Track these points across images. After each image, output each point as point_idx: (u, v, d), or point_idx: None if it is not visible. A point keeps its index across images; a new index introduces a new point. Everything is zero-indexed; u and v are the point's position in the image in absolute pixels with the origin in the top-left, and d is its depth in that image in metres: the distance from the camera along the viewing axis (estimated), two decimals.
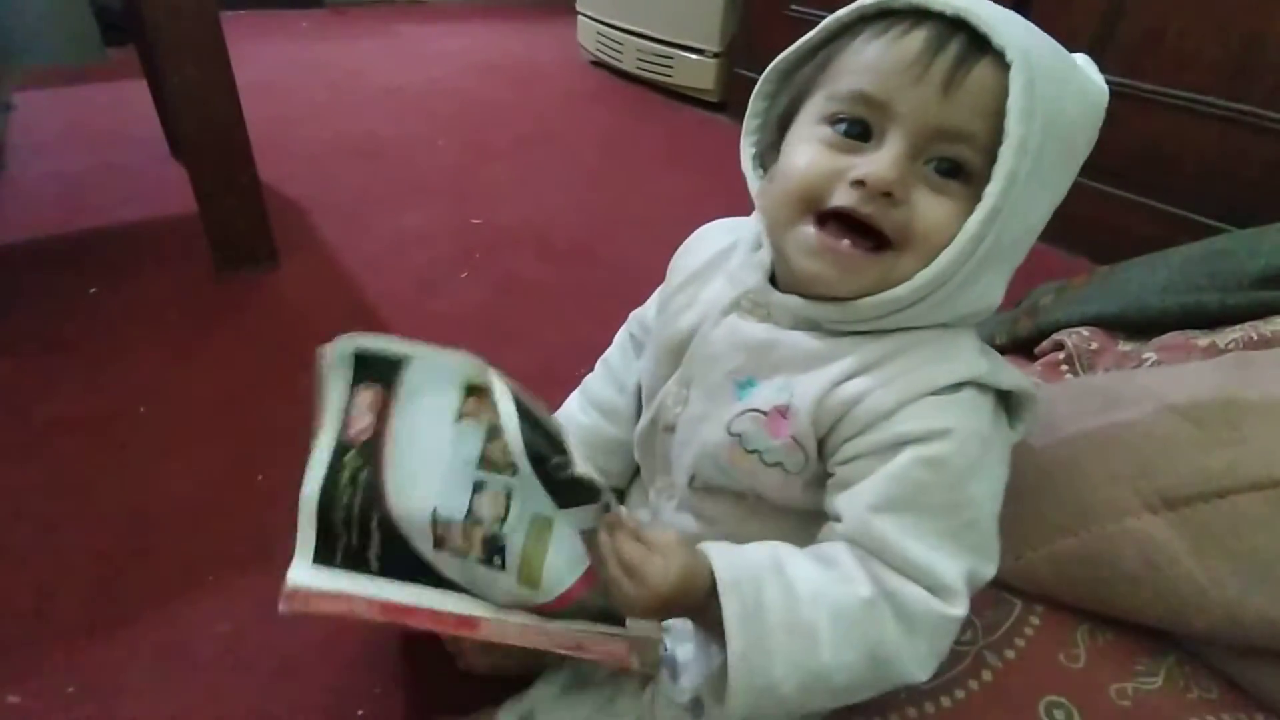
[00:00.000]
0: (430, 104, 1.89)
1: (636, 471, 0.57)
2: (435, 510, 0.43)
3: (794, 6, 1.70)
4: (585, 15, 2.26)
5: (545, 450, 0.41)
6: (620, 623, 0.43)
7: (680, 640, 0.47)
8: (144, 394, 0.86)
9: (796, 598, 0.36)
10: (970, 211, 0.36)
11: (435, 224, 1.30)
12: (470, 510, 0.43)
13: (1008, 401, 0.41)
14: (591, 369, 0.61)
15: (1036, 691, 0.43)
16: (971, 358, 0.39)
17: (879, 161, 0.36)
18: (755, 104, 0.45)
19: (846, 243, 0.37)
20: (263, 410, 0.85)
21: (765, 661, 0.35)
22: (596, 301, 1.11)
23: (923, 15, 0.36)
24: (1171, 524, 0.42)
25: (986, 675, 0.44)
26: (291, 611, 0.43)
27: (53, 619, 0.62)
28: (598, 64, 2.32)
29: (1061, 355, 0.65)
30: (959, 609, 0.36)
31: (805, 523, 0.42)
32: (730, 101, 1.96)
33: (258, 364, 0.93)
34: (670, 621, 0.47)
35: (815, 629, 0.36)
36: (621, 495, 0.57)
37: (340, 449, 0.44)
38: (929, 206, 0.36)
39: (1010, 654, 0.45)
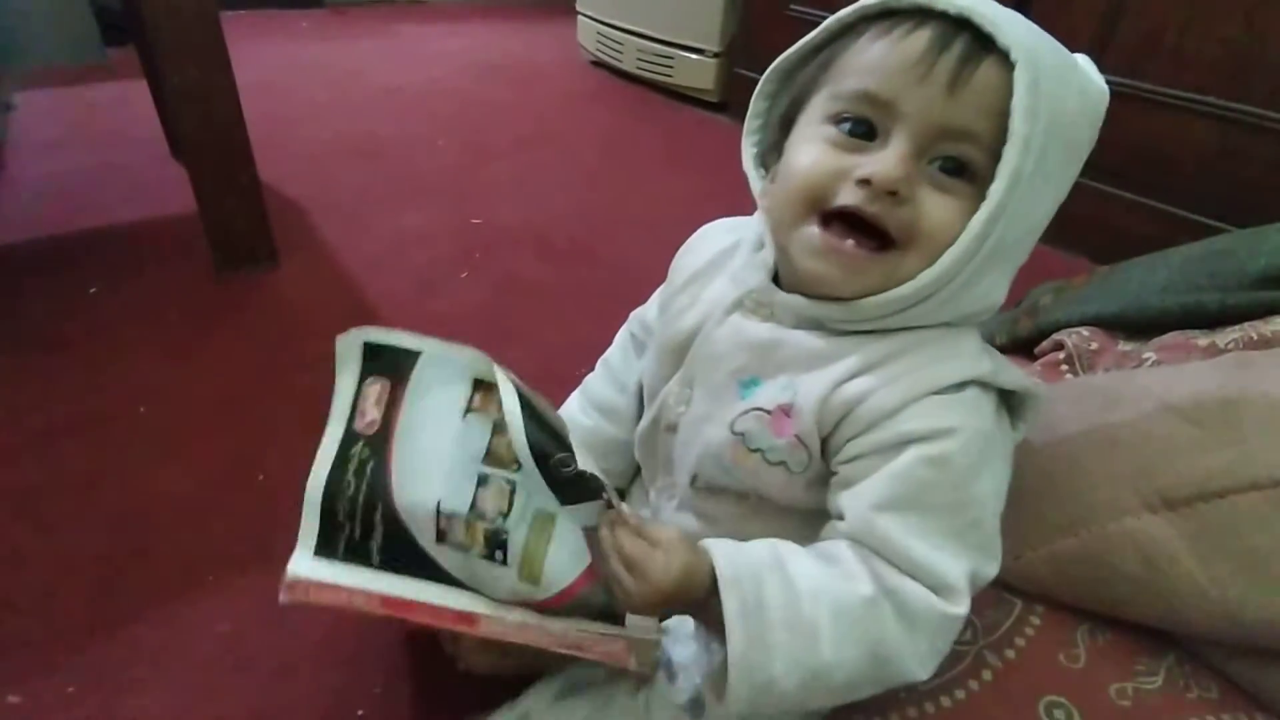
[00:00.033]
0: (430, 104, 1.89)
1: (637, 471, 0.57)
2: (439, 503, 0.43)
3: (794, 6, 1.70)
4: (585, 15, 2.26)
5: (549, 447, 0.41)
6: (619, 622, 0.43)
7: (677, 642, 0.47)
8: (144, 394, 0.86)
9: (797, 594, 0.36)
10: (974, 210, 0.36)
11: (435, 224, 1.30)
12: (474, 504, 0.43)
13: (1009, 401, 0.41)
14: (591, 369, 0.61)
15: (1036, 691, 0.43)
16: (975, 357, 0.39)
17: (884, 160, 0.36)
18: (756, 104, 0.45)
19: (851, 243, 0.38)
20: (263, 410, 0.85)
21: (765, 658, 0.35)
22: (596, 301, 1.11)
23: (926, 15, 0.36)
24: (1171, 524, 0.42)
25: (986, 675, 0.44)
26: (292, 601, 0.43)
27: (53, 619, 0.62)
28: (598, 64, 2.32)
29: (1061, 355, 0.65)
30: (961, 608, 0.36)
31: (807, 522, 0.42)
32: (730, 101, 1.96)
33: (258, 364, 0.93)
34: (667, 623, 0.47)
35: (816, 626, 0.36)
36: (622, 495, 0.57)
37: (348, 440, 0.45)
38: (933, 205, 0.36)
39: (1010, 654, 0.45)
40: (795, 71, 0.44)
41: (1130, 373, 0.57)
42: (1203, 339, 0.58)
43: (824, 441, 0.40)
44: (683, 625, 0.48)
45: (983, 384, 0.39)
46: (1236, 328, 0.57)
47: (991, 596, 0.47)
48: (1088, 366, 0.62)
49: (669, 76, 2.05)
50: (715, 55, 1.92)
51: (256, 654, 0.60)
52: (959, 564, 0.37)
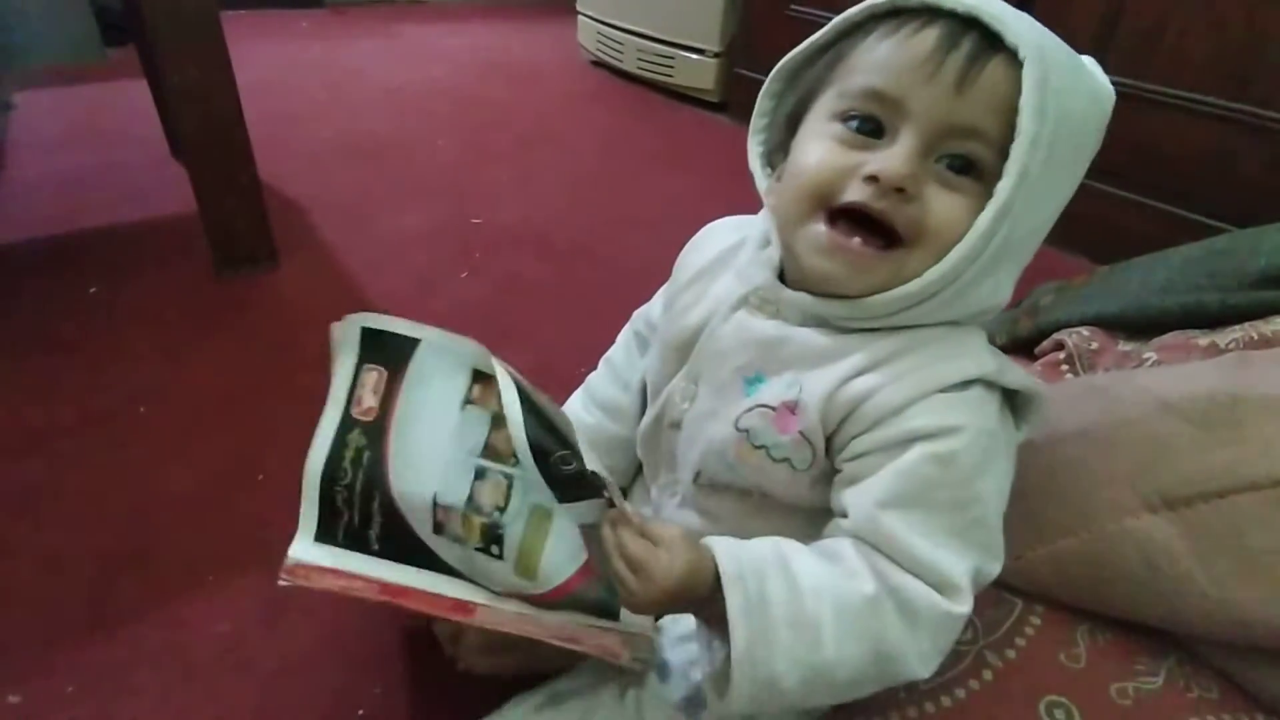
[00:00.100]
0: (430, 104, 1.89)
1: (639, 470, 0.57)
2: (436, 495, 0.43)
3: (794, 6, 1.70)
4: (585, 15, 2.26)
5: (549, 444, 0.41)
6: (614, 618, 0.43)
7: (668, 642, 0.48)
8: (144, 394, 0.86)
9: (800, 592, 0.36)
10: (981, 208, 0.36)
11: (435, 224, 1.30)
12: (471, 497, 0.43)
13: (1013, 401, 0.41)
14: (591, 368, 0.61)
15: (1037, 691, 0.43)
16: (980, 356, 0.39)
17: (892, 157, 0.36)
18: (763, 103, 0.45)
19: (857, 241, 0.38)
20: (263, 410, 0.85)
21: (768, 655, 0.35)
22: (596, 301, 1.11)
23: (934, 13, 0.37)
24: (1172, 524, 0.42)
25: (987, 675, 0.44)
26: (292, 585, 0.43)
27: (53, 619, 0.62)
28: (598, 64, 2.32)
29: (1061, 355, 0.65)
30: (963, 606, 0.36)
31: (810, 520, 0.42)
32: (730, 101, 1.96)
33: (258, 364, 0.93)
34: (660, 622, 0.48)
35: (818, 623, 0.36)
36: (624, 493, 0.57)
37: (345, 425, 0.45)
38: (941, 203, 0.36)
39: (1011, 654, 0.45)
40: (802, 70, 0.44)
41: (1130, 373, 0.57)
42: (1203, 339, 0.58)
43: (828, 439, 0.40)
44: (674, 626, 0.48)
45: (988, 383, 0.39)
46: (1237, 328, 0.57)
47: (992, 596, 0.47)
48: (1088, 366, 0.62)
49: (669, 76, 2.05)
50: (715, 55, 1.92)
51: (256, 654, 0.60)
52: (962, 562, 0.37)
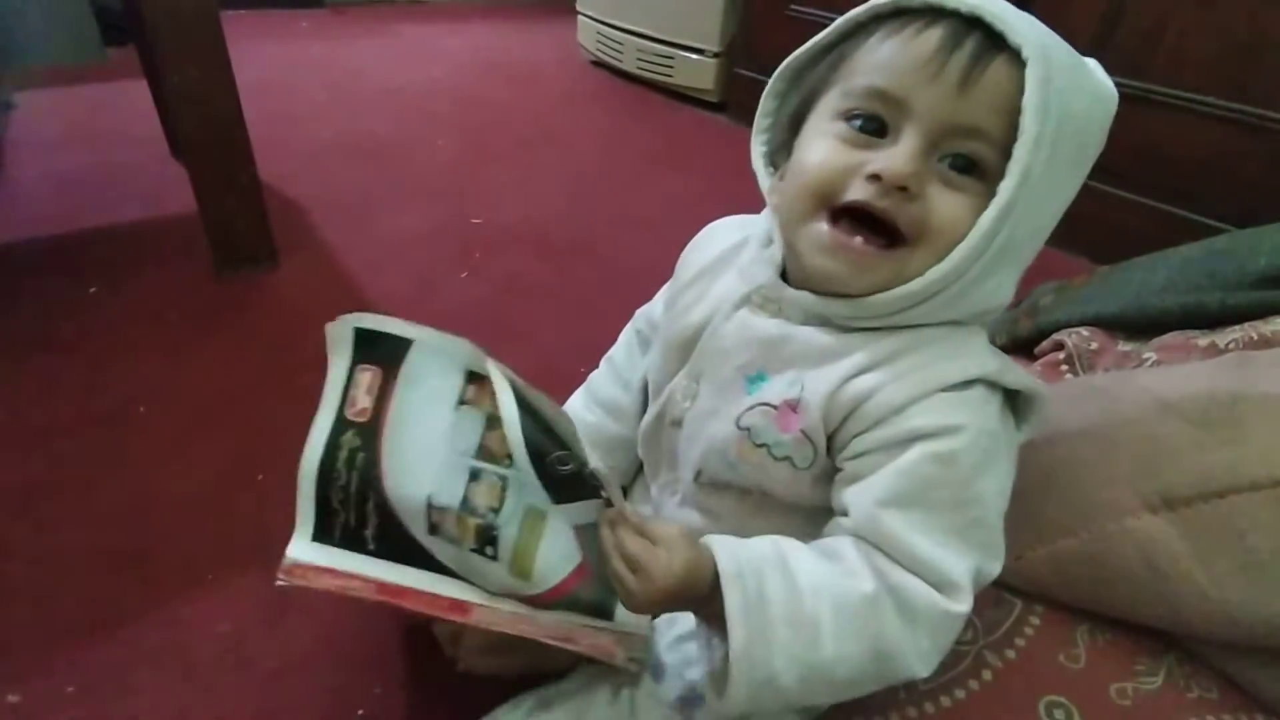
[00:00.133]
0: (430, 104, 1.89)
1: (639, 469, 0.57)
2: (431, 496, 0.43)
3: (794, 6, 1.70)
4: (585, 15, 2.26)
5: (545, 445, 0.41)
6: (609, 618, 0.43)
7: (662, 642, 0.48)
8: (144, 394, 0.86)
9: (799, 590, 0.36)
10: (984, 208, 0.36)
11: (435, 224, 1.30)
12: (465, 499, 0.43)
13: (1014, 402, 0.41)
14: (591, 367, 0.61)
15: (1037, 691, 0.43)
16: (982, 356, 0.39)
17: (895, 156, 0.36)
18: (766, 103, 0.46)
19: (859, 240, 0.38)
20: (263, 410, 0.85)
21: (766, 653, 0.35)
22: (596, 301, 1.11)
23: (938, 13, 0.37)
24: (1172, 524, 0.42)
25: (987, 675, 0.44)
26: (289, 584, 0.43)
27: (53, 619, 0.62)
28: (598, 64, 2.32)
29: (1061, 355, 0.65)
30: (963, 605, 0.36)
31: (810, 520, 0.42)
32: (730, 101, 1.96)
33: (258, 364, 0.93)
34: (655, 621, 0.48)
35: (817, 621, 0.36)
36: (625, 492, 0.57)
37: (339, 426, 0.45)
38: (943, 202, 0.36)
39: (1010, 654, 0.45)
40: (805, 70, 0.44)
41: (1130, 373, 0.57)
42: (1203, 339, 0.58)
43: (830, 437, 0.40)
44: (671, 627, 0.48)
45: (989, 383, 0.39)
46: (1237, 328, 0.57)
47: (991, 596, 0.47)
48: (1088, 366, 0.62)
49: (669, 76, 2.05)
50: (715, 55, 1.92)
51: (256, 654, 0.60)
52: (962, 561, 0.37)
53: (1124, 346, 0.63)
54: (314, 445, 0.44)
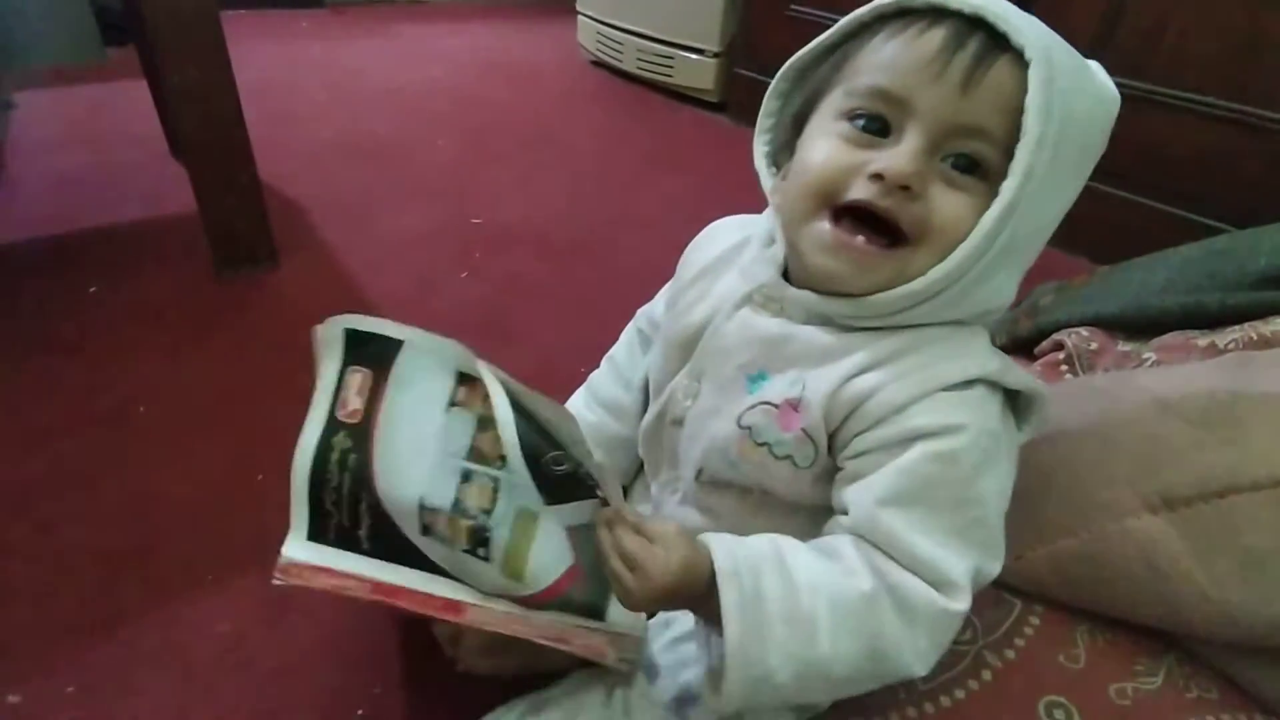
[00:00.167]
0: (430, 104, 1.89)
1: (639, 468, 0.57)
2: (422, 498, 0.43)
3: (794, 6, 1.70)
4: (585, 15, 2.26)
5: (539, 446, 0.41)
6: (601, 618, 0.44)
7: (664, 649, 0.48)
8: (144, 394, 0.86)
9: (796, 588, 0.36)
10: (986, 208, 0.36)
11: (435, 224, 1.30)
12: (457, 500, 0.43)
13: (1015, 402, 0.41)
14: (592, 367, 0.61)
15: (1036, 691, 0.43)
16: (983, 356, 0.39)
17: (898, 155, 0.36)
18: (769, 103, 0.46)
19: (861, 239, 0.38)
20: (263, 410, 0.85)
21: (762, 650, 0.35)
22: (596, 301, 1.11)
23: (941, 14, 0.37)
24: (1171, 524, 0.42)
25: (986, 675, 0.44)
26: (285, 584, 0.43)
27: (53, 619, 0.62)
28: (598, 64, 2.32)
29: (1061, 355, 0.65)
30: (962, 604, 0.36)
31: (811, 519, 0.43)
32: (730, 101, 1.96)
33: (258, 364, 0.93)
34: (650, 621, 0.48)
35: (814, 619, 0.36)
36: (625, 491, 0.58)
37: (330, 427, 0.45)
38: (946, 201, 0.36)
39: (1010, 654, 0.45)
40: (809, 70, 0.44)
41: (1130, 373, 0.57)
42: (1203, 339, 0.58)
43: (831, 436, 0.40)
44: (665, 628, 0.48)
45: (990, 383, 0.39)
46: (1236, 328, 0.57)
47: (991, 596, 0.47)
48: (1088, 367, 0.62)
49: (669, 76, 2.05)
50: (715, 55, 1.92)
51: (256, 654, 0.60)
52: (962, 561, 0.37)
53: (1124, 347, 0.63)
54: (305, 447, 0.44)
